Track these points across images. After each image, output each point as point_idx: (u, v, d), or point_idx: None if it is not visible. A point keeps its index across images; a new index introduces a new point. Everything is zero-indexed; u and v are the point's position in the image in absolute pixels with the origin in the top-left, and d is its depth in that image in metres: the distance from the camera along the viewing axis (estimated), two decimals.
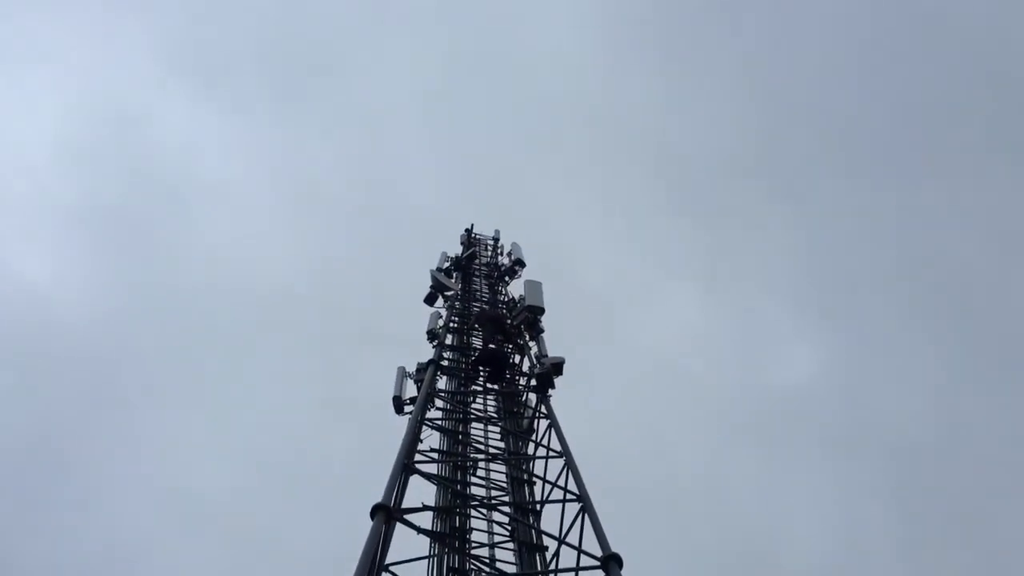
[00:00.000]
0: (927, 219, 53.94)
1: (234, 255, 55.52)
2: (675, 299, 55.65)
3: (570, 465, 11.41)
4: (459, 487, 11.74)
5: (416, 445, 11.62)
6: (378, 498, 9.17)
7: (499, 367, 15.68)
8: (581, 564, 9.54)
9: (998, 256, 51.29)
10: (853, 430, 47.33)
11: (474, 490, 11.94)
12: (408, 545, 9.85)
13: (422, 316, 18.25)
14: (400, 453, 10.76)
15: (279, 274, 53.60)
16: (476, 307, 18.87)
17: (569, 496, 10.96)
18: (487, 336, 16.66)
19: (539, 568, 10.43)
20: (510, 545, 10.88)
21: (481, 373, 15.71)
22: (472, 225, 24.34)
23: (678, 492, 44.11)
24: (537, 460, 12.63)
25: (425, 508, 10.38)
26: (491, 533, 11.01)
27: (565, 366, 14.89)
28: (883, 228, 54.93)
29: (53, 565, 37.62)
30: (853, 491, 44.35)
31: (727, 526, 42.00)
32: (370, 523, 8.78)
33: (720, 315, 55.86)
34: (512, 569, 10.41)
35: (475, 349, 16.53)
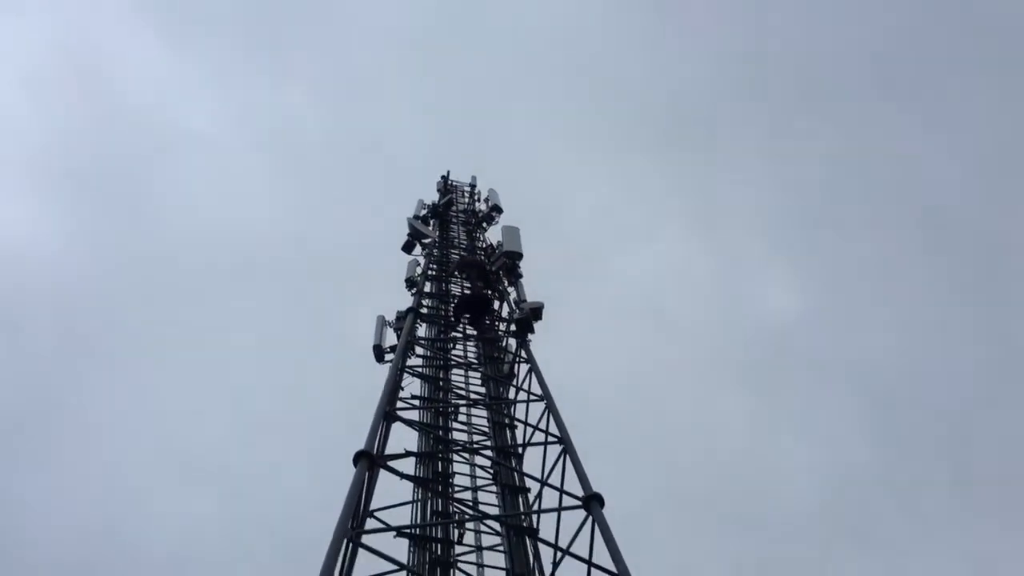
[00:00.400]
0: (905, 148, 53.73)
1: (211, 203, 54.89)
2: (659, 239, 55.38)
3: (551, 408, 11.51)
4: (441, 433, 11.82)
5: (397, 392, 11.67)
6: (361, 445, 9.23)
7: (480, 312, 15.72)
8: (564, 504, 9.67)
9: (976, 182, 51.41)
10: (838, 363, 47.63)
11: (456, 435, 12.04)
12: (392, 491, 9.96)
13: (400, 264, 18.23)
14: (381, 401, 10.80)
15: (257, 223, 53.00)
16: (454, 254, 18.82)
17: (550, 439, 11.07)
18: (471, 282, 16.71)
19: (522, 509, 10.56)
20: (493, 488, 11.01)
21: (462, 320, 15.75)
22: (448, 172, 24.17)
23: (665, 432, 44.66)
24: (518, 404, 12.73)
25: (408, 454, 10.46)
26: (474, 477, 11.13)
27: (544, 311, 14.95)
28: (863, 160, 54.79)
29: (50, 524, 37.82)
30: (839, 422, 44.83)
31: (714, 464, 42.63)
32: (353, 470, 8.84)
33: (705, 254, 55.72)
34: (495, 511, 10.53)
35: (454, 296, 16.55)
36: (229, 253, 51.36)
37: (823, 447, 44.26)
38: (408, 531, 9.53)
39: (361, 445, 9.22)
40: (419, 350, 13.96)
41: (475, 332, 15.38)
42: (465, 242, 19.94)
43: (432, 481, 10.70)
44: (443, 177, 23.93)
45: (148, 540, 36.89)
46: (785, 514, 40.68)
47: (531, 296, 15.81)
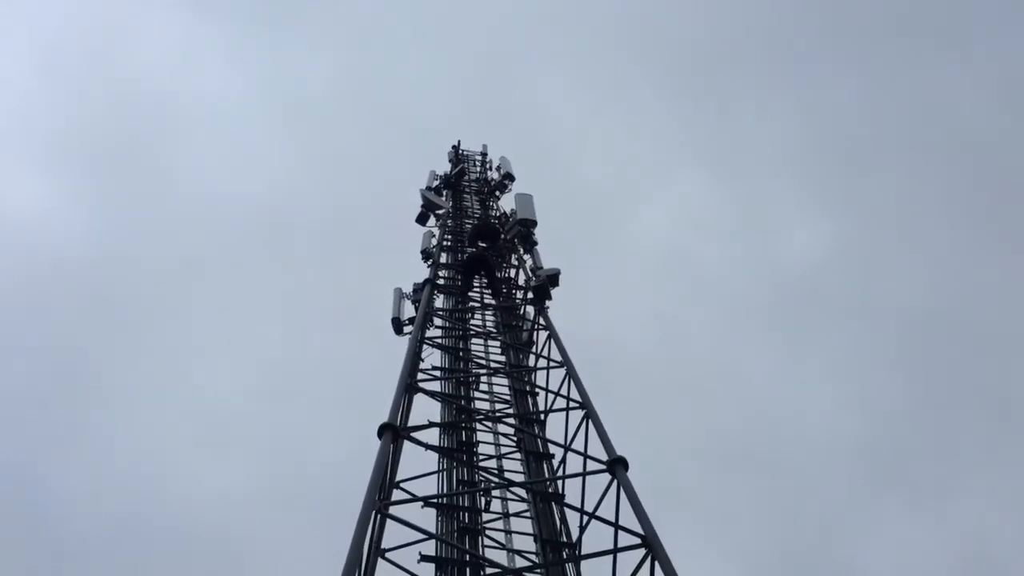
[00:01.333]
0: (932, 81, 52.57)
1: (226, 170, 54.84)
2: (681, 186, 54.63)
3: (571, 374, 11.54)
4: (463, 402, 11.88)
5: (418, 364, 11.73)
6: (385, 416, 9.29)
7: (489, 270, 15.78)
8: (588, 468, 9.73)
9: (1003, 116, 50.39)
10: (866, 304, 47.01)
11: (478, 404, 12.09)
12: (417, 462, 10.04)
13: (415, 236, 18.26)
14: (403, 373, 10.86)
15: (272, 190, 52.98)
16: (468, 224, 18.82)
17: (572, 404, 11.11)
18: (485, 244, 16.80)
19: (547, 475, 10.64)
20: (517, 455, 11.07)
21: (477, 283, 15.81)
22: (459, 142, 24.14)
23: (694, 378, 44.66)
24: (538, 371, 12.78)
25: (431, 425, 10.53)
26: (497, 445, 11.18)
27: (569, 264, 14.98)
28: (886, 95, 53.71)
29: (84, 486, 38.36)
30: (871, 363, 44.39)
31: (745, 408, 42.53)
32: (378, 442, 8.91)
33: (728, 199, 54.90)
34: (520, 478, 10.61)
35: (465, 252, 16.66)
36: (247, 223, 51.46)
37: (855, 388, 43.95)
38: (435, 501, 9.61)
39: (384, 416, 9.30)
40: (437, 321, 14.01)
41: (492, 301, 15.42)
42: (479, 211, 19.93)
43: (456, 451, 10.77)
44: (454, 147, 23.90)
45: (178, 511, 37.38)
46: (818, 456, 40.69)
47: (549, 260, 15.82)
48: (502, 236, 17.29)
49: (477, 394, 12.37)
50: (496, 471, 10.71)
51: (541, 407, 12.09)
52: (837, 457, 40.48)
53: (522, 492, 10.28)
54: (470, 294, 15.60)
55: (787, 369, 45.16)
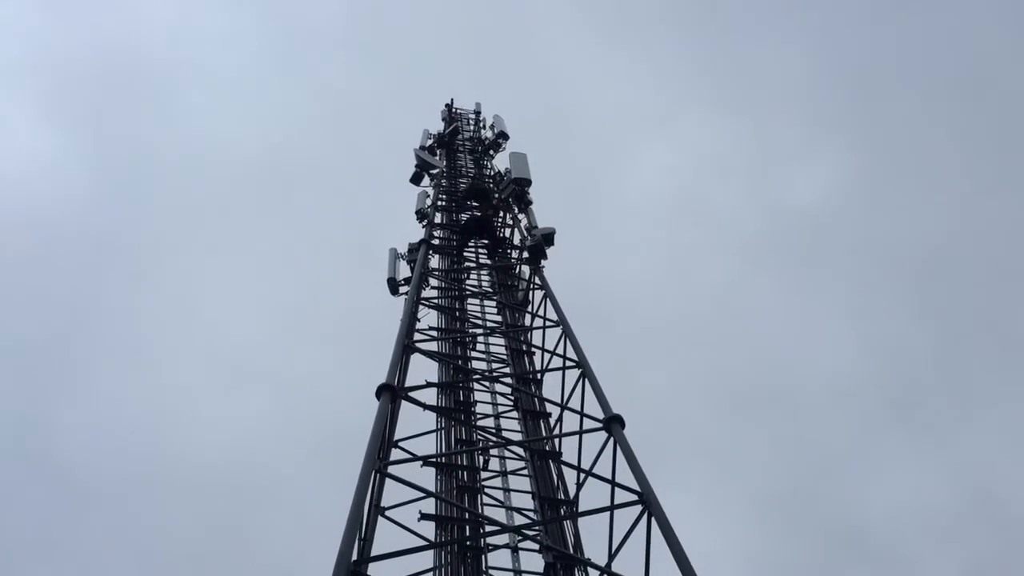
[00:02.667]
0: (939, 18, 51.50)
1: (228, 115, 54.55)
2: (687, 125, 54.10)
3: (567, 333, 11.61)
4: (460, 362, 11.96)
5: (414, 324, 11.78)
6: (380, 378, 9.35)
7: (490, 234, 15.80)
8: (585, 427, 9.83)
9: (1015, 49, 49.72)
10: (877, 240, 46.62)
11: (475, 364, 12.17)
12: (415, 421, 10.13)
13: (409, 195, 18.20)
14: (400, 333, 10.92)
15: (273, 138, 52.69)
16: (463, 183, 18.76)
17: (568, 363, 11.19)
18: (480, 209, 16.76)
19: (543, 434, 10.74)
20: (514, 414, 11.17)
21: (474, 243, 15.83)
22: (452, 100, 23.97)
23: (704, 321, 44.74)
24: (535, 331, 12.84)
25: (429, 385, 10.61)
26: (495, 404, 11.28)
27: (567, 223, 14.99)
28: (896, 34, 52.58)
29: (102, 428, 38.68)
30: (878, 303, 44.23)
31: (755, 349, 42.63)
32: (376, 403, 8.98)
33: (735, 138, 54.09)
34: (517, 437, 10.71)
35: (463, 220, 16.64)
36: (250, 169, 51.20)
37: (866, 326, 43.70)
38: (434, 460, 9.71)
39: (381, 378, 9.36)
40: (433, 281, 14.04)
41: (488, 261, 15.44)
42: (473, 171, 19.86)
43: (454, 410, 10.86)
44: (447, 105, 23.74)
45: (198, 447, 37.68)
46: (829, 395, 40.72)
47: (546, 218, 15.78)
48: (496, 196, 17.26)
49: (474, 354, 12.44)
50: (494, 430, 10.81)
51: (538, 366, 12.17)
52: (848, 396, 40.56)
53: (520, 451, 10.40)
54: (465, 254, 15.61)
55: (797, 309, 44.98)
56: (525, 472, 10.09)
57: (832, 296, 45.51)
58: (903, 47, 52.74)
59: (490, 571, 8.55)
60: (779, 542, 36.23)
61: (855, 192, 49.23)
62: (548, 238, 14.80)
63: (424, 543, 8.17)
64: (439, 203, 17.35)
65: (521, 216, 16.26)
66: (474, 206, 17.06)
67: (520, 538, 8.74)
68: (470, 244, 15.92)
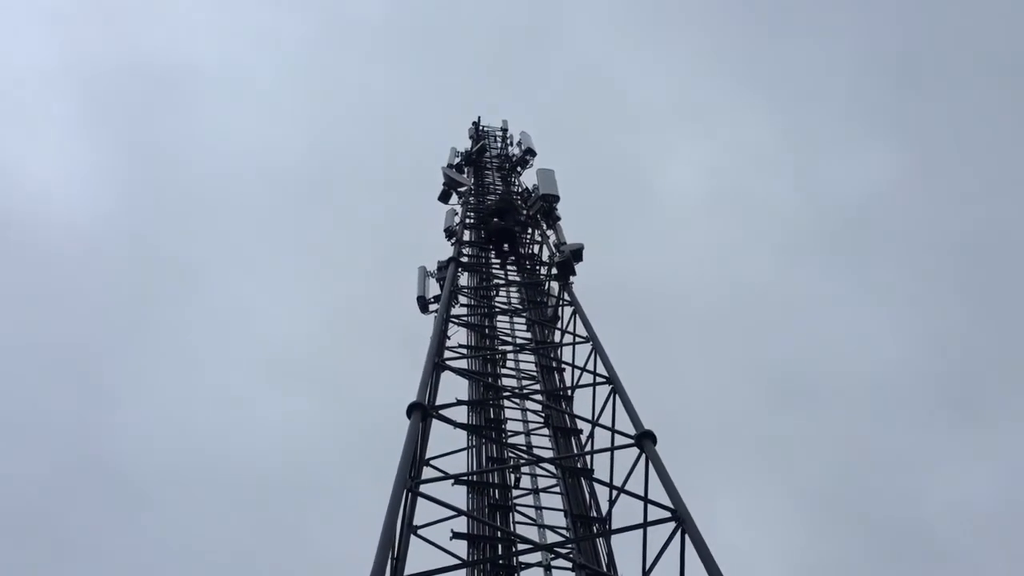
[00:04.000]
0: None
1: (260, 127, 55.00)
2: (734, 118, 53.21)
3: (597, 349, 11.57)
4: (490, 379, 11.95)
5: (444, 342, 11.79)
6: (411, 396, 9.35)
7: (511, 243, 15.88)
8: (616, 443, 9.77)
9: None
10: (926, 235, 45.55)
11: (505, 381, 12.15)
12: (446, 439, 10.12)
13: (438, 215, 18.28)
14: (430, 351, 10.93)
15: (296, 155, 53.07)
16: (490, 200, 18.82)
17: (599, 379, 11.15)
18: (505, 222, 16.85)
19: (575, 451, 10.69)
20: (545, 431, 11.13)
21: (496, 260, 15.89)
22: (479, 118, 24.14)
23: (748, 317, 44.12)
24: (564, 347, 12.81)
25: (459, 403, 10.61)
26: (526, 421, 11.25)
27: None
28: (941, 15, 51.39)
29: (153, 431, 39.13)
30: (931, 295, 43.40)
31: (805, 343, 42.06)
32: (407, 421, 8.98)
33: (777, 131, 53.08)
34: (549, 454, 10.67)
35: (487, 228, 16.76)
36: (289, 175, 51.57)
37: (917, 318, 42.79)
38: (466, 478, 9.69)
39: (411, 396, 9.36)
40: (462, 299, 14.06)
41: (517, 278, 15.45)
42: (500, 188, 19.92)
43: (485, 428, 10.84)
44: (474, 123, 23.91)
45: (246, 448, 37.92)
46: (880, 389, 40.07)
47: (575, 232, 15.76)
48: (525, 212, 17.29)
49: (504, 371, 12.43)
50: (525, 447, 10.78)
51: (568, 383, 12.14)
52: (899, 390, 39.91)
53: (551, 468, 10.36)
54: (494, 271, 15.63)
55: (848, 302, 44.06)
56: (557, 490, 10.05)
57: (884, 289, 44.58)
58: (948, 36, 51.63)
59: None
60: (835, 542, 35.56)
61: (903, 183, 47.91)
62: (577, 254, 14.77)
63: (457, 562, 8.14)
64: (467, 220, 17.40)
65: (549, 232, 16.27)
66: (499, 222, 17.12)
67: (553, 556, 8.69)
68: (495, 261, 15.96)
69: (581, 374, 11.77)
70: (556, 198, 16.95)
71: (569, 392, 11.94)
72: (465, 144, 22.41)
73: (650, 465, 8.93)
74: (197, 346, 42.46)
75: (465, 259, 15.66)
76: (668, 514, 8.21)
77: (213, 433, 38.95)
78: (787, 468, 38.03)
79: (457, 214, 17.72)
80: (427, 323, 14.86)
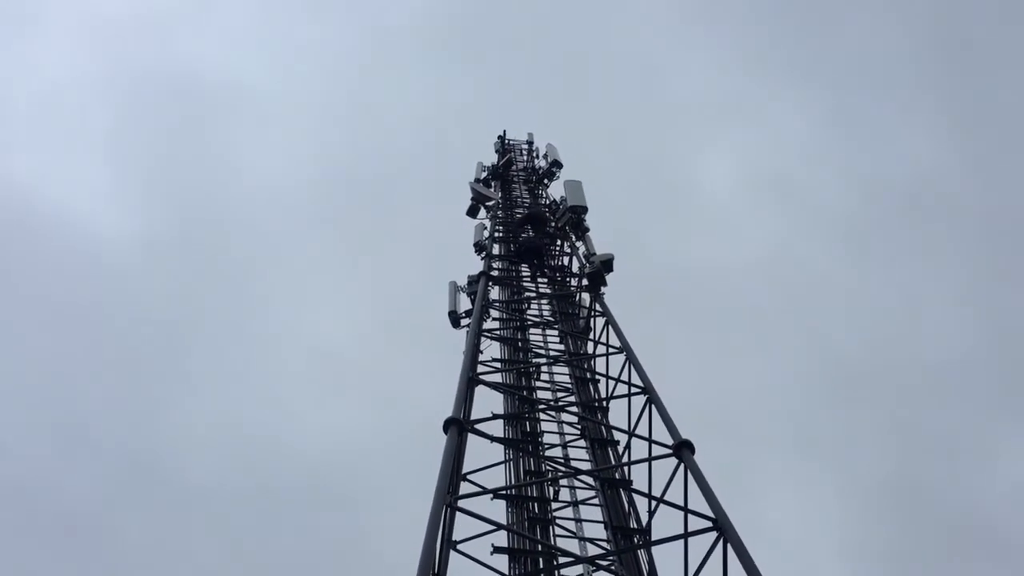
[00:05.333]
0: None
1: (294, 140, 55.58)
2: (774, 109, 52.87)
3: (631, 359, 11.53)
4: (525, 392, 11.94)
5: (477, 357, 11.80)
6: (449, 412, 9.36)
7: (539, 258, 15.93)
8: (654, 453, 9.73)
9: None
10: (982, 216, 44.83)
11: (540, 394, 12.14)
12: (483, 453, 10.12)
13: (467, 230, 18.34)
14: (464, 366, 10.93)
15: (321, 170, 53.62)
16: (518, 214, 18.86)
17: (634, 389, 11.11)
18: (535, 233, 16.91)
19: (612, 462, 10.66)
20: (582, 443, 11.11)
21: (527, 273, 15.92)
22: (504, 131, 24.23)
23: (804, 305, 43.94)
24: (598, 358, 12.78)
25: (495, 417, 10.61)
26: (562, 433, 11.23)
27: (615, 261, 14.90)
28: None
29: (207, 434, 39.76)
30: (993, 280, 42.63)
31: (858, 331, 41.59)
32: (444, 437, 8.99)
33: (826, 118, 52.84)
34: (586, 466, 10.64)
35: (517, 242, 16.79)
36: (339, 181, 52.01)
37: (981, 303, 42.04)
38: (504, 492, 9.68)
39: (447, 412, 9.37)
40: (494, 313, 14.08)
41: (547, 290, 15.45)
42: (528, 200, 19.95)
43: (522, 441, 10.83)
44: (500, 137, 23.99)
45: (300, 452, 38.26)
46: (939, 378, 39.55)
47: (605, 243, 15.73)
48: (553, 224, 17.30)
49: (538, 384, 12.42)
50: (562, 460, 10.75)
51: (603, 394, 12.10)
52: (959, 377, 39.33)
53: (589, 480, 10.32)
54: (524, 284, 15.64)
55: (906, 288, 43.73)
56: (595, 501, 10.01)
57: (939, 274, 44.10)
58: (995, 16, 50.84)
59: None
60: (896, 534, 35.02)
61: (956, 165, 47.29)
62: (607, 264, 14.75)
63: None
64: (496, 234, 17.44)
65: (579, 243, 16.26)
66: (529, 233, 17.18)
67: (594, 569, 8.66)
68: (526, 273, 15.99)
69: (616, 385, 11.75)
70: (584, 209, 16.93)
71: (604, 403, 11.91)
72: (492, 158, 22.50)
73: (689, 475, 8.88)
74: (246, 350, 43.24)
75: (495, 273, 15.69)
76: (709, 524, 8.16)
77: (262, 436, 39.57)
78: (844, 459, 37.54)
79: (486, 228, 17.77)
80: (460, 337, 14.97)
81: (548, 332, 13.84)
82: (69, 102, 54.13)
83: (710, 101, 55.02)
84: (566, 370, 12.71)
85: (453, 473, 8.70)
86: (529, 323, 14.03)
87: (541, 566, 9.00)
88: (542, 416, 11.46)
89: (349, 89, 58.18)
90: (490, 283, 15.01)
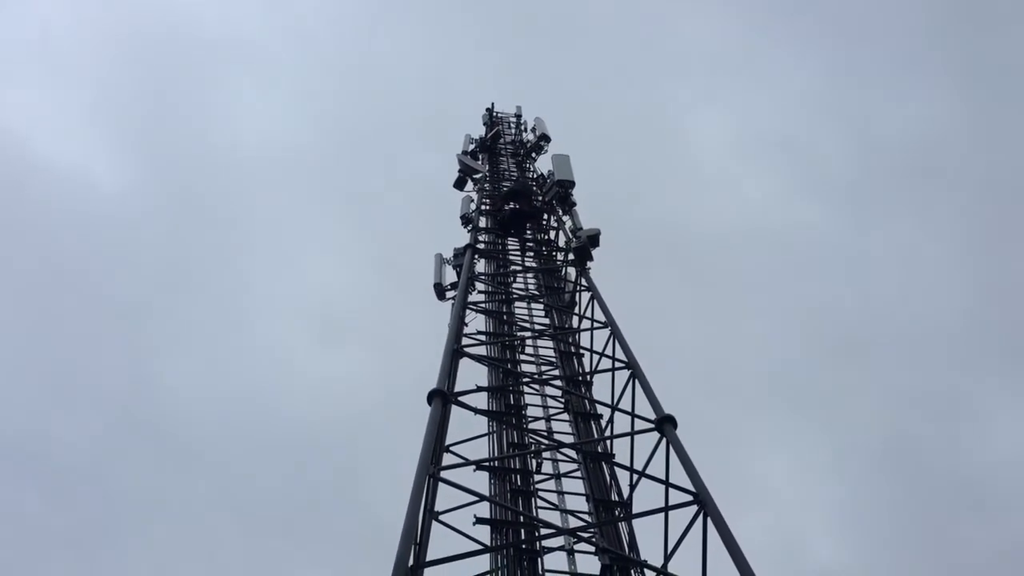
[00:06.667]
0: None
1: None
2: (774, 66, 52.41)
3: (616, 334, 11.57)
4: (509, 366, 11.97)
5: (462, 329, 11.82)
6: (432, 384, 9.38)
7: (527, 224, 16.00)
8: (636, 428, 9.79)
9: None
10: (991, 179, 44.10)
11: (524, 367, 12.17)
12: (466, 425, 10.17)
13: (453, 201, 18.29)
14: (449, 339, 10.96)
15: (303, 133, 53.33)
16: (506, 187, 18.81)
17: (618, 364, 11.16)
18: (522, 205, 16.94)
19: (595, 435, 10.72)
20: (565, 417, 11.16)
21: (515, 246, 15.96)
22: (493, 104, 24.08)
23: (803, 266, 43.80)
24: (583, 332, 12.82)
25: (479, 389, 10.65)
26: (545, 407, 11.27)
27: (602, 236, 14.91)
28: None
29: (203, 389, 40.13)
30: (994, 242, 42.18)
31: (858, 293, 41.49)
32: (428, 409, 9.02)
33: (827, 75, 51.78)
34: (569, 439, 10.70)
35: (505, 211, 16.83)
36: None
37: (981, 266, 41.76)
38: (487, 464, 9.73)
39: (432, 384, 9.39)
40: (479, 286, 14.08)
41: (534, 263, 15.45)
42: (515, 174, 19.89)
43: (505, 414, 10.88)
44: (488, 109, 23.85)
45: (296, 403, 38.65)
46: (939, 340, 39.34)
47: (591, 218, 15.72)
48: (540, 198, 17.28)
49: (523, 357, 12.45)
50: (545, 433, 10.81)
51: (587, 368, 12.15)
52: (956, 338, 39.22)
53: (572, 453, 10.38)
54: (511, 257, 15.63)
55: (907, 249, 43.33)
56: (578, 474, 10.08)
57: (939, 234, 43.57)
58: None
59: (546, 574, 8.55)
60: (893, 496, 35.17)
61: (963, 127, 46.42)
62: (593, 239, 14.75)
63: (480, 547, 8.18)
64: (483, 207, 17.40)
65: (566, 218, 16.24)
66: (514, 206, 17.19)
67: (575, 540, 8.72)
68: (513, 244, 15.99)
69: (600, 359, 11.79)
70: (571, 183, 16.90)
71: (588, 377, 11.95)
72: (480, 130, 22.40)
73: (671, 449, 8.95)
74: (243, 303, 43.52)
75: (481, 246, 15.67)
76: (690, 497, 8.24)
77: (260, 388, 39.95)
78: (838, 420, 37.51)
79: (473, 201, 17.73)
80: (445, 310, 14.99)
81: (533, 306, 13.86)
82: (62, 50, 53.55)
83: (709, 56, 54.33)
84: (551, 344, 12.74)
85: (436, 444, 8.74)
86: (515, 296, 14.04)
87: (523, 537, 9.06)
88: (526, 389, 11.50)
89: (346, 45, 57.61)
90: (476, 256, 15.00)
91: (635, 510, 9.40)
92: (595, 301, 12.90)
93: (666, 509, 8.51)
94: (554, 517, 9.46)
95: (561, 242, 15.79)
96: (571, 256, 14.83)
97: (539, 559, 8.62)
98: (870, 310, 41.12)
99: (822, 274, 43.34)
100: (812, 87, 51.31)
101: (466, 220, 16.87)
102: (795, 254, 44.54)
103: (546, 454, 10.44)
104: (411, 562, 6.90)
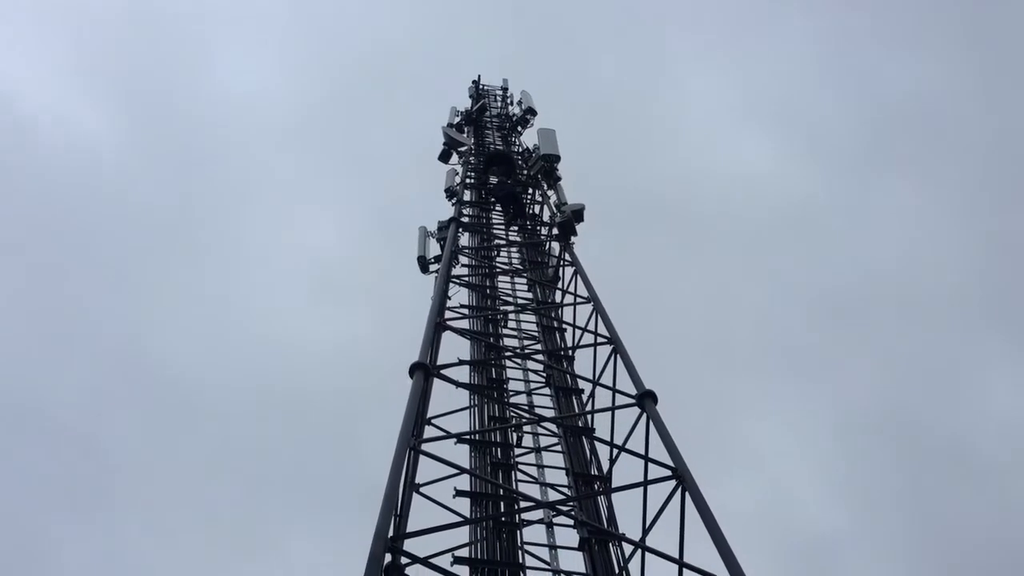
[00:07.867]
0: None
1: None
2: (772, 28, 51.16)
3: (598, 309, 11.60)
4: (492, 340, 11.99)
5: (445, 303, 11.81)
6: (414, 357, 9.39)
7: (516, 204, 15.92)
8: (617, 403, 9.84)
9: None
10: (989, 140, 43.30)
11: (507, 341, 12.20)
12: (448, 398, 10.18)
13: (438, 174, 18.22)
14: (431, 311, 10.96)
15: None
16: (492, 149, 18.79)
17: (600, 339, 11.19)
18: (501, 175, 16.88)
19: (576, 410, 10.77)
20: (547, 391, 11.20)
21: (500, 221, 15.91)
22: (479, 76, 23.95)
23: (800, 230, 43.58)
24: (565, 307, 12.85)
25: (461, 363, 10.66)
26: (527, 381, 11.31)
27: (585, 212, 14.92)
28: None
29: (202, 345, 39.66)
30: (990, 202, 41.51)
31: (856, 257, 41.17)
32: (410, 381, 9.02)
33: (827, 37, 50.26)
34: (550, 413, 10.75)
35: (490, 186, 16.76)
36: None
37: (985, 229, 40.65)
38: (468, 437, 9.76)
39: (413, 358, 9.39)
40: (463, 259, 14.07)
41: (518, 238, 15.43)
42: (501, 147, 19.84)
43: (487, 387, 10.90)
44: (474, 82, 23.74)
45: (292, 363, 38.12)
46: (942, 305, 38.95)
47: (576, 193, 15.70)
48: (525, 172, 17.25)
49: (505, 331, 12.47)
50: (526, 407, 10.85)
51: (569, 343, 12.18)
52: (952, 304, 38.67)
53: (553, 427, 10.44)
54: (495, 231, 15.61)
55: (908, 212, 42.44)
56: (558, 448, 10.13)
57: (935, 199, 43.12)
58: None
59: (525, 546, 8.61)
60: (890, 461, 34.98)
61: (966, 90, 45.41)
62: (578, 214, 14.77)
63: (459, 519, 8.22)
64: (468, 180, 17.35)
65: (550, 192, 16.23)
66: (497, 173, 17.17)
67: (555, 514, 8.80)
68: (497, 220, 15.96)
69: (582, 334, 11.83)
70: (557, 158, 16.88)
71: (570, 352, 11.99)
72: (465, 103, 22.30)
73: (651, 424, 9.00)
74: (241, 257, 43.15)
75: (466, 219, 15.64)
76: (669, 472, 8.30)
77: (256, 345, 39.54)
78: (832, 388, 37.41)
79: (458, 174, 17.67)
80: (428, 283, 14.96)
81: (517, 280, 13.86)
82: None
83: (707, 16, 53.74)
84: (533, 318, 12.76)
85: (418, 417, 8.75)
86: (498, 271, 14.04)
87: (503, 510, 9.12)
88: (508, 363, 11.53)
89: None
90: (460, 229, 14.97)
91: (615, 484, 9.47)
92: (578, 276, 12.92)
93: (645, 483, 8.57)
94: (534, 490, 9.52)
95: (546, 216, 15.79)
96: (555, 231, 14.82)
97: (518, 532, 8.68)
98: (870, 275, 40.64)
99: (821, 239, 43.01)
100: (812, 49, 50.64)
101: (450, 193, 16.82)
102: (794, 219, 44.19)
103: (527, 428, 10.48)
104: (391, 533, 6.93)
